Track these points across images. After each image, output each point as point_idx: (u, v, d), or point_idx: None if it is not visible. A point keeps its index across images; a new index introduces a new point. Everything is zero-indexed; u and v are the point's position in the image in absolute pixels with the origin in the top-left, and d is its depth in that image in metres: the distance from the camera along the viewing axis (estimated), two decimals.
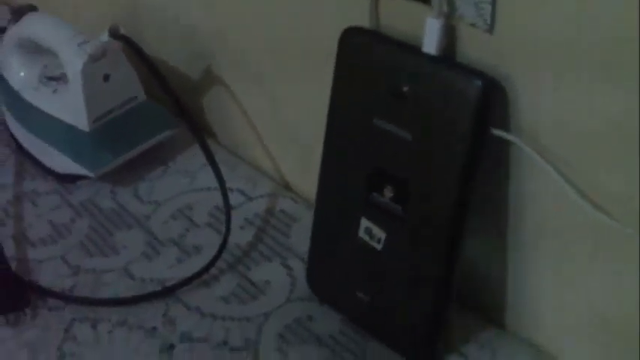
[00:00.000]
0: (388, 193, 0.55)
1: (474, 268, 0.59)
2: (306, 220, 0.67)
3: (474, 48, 0.52)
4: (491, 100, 0.50)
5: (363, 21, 0.56)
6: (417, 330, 0.57)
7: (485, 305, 0.60)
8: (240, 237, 0.68)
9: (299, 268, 0.65)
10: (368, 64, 0.55)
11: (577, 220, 0.51)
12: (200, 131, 0.71)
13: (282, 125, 0.72)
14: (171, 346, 0.60)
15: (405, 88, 0.52)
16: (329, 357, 0.58)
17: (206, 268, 0.65)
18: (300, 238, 0.67)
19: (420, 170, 0.53)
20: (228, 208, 0.68)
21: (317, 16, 0.62)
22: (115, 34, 0.69)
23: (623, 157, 0.47)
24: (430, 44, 0.52)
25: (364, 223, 0.57)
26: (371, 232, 0.57)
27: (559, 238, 0.53)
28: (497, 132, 0.51)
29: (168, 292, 0.64)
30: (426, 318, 0.56)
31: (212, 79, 0.77)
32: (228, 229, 0.67)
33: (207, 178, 0.71)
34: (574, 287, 0.54)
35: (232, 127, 0.78)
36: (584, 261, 0.53)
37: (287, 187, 0.75)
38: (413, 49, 0.53)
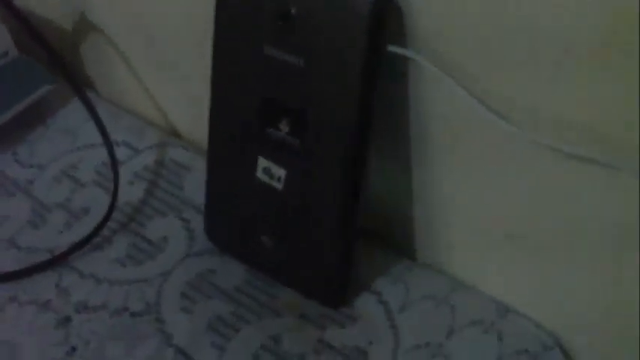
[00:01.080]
0: (284, 127, 0.51)
1: (380, 199, 0.56)
2: (199, 168, 0.63)
3: None
4: (385, 15, 0.46)
5: None
6: (326, 270, 0.54)
7: (396, 239, 0.58)
8: (131, 193, 0.64)
9: (196, 220, 0.61)
10: None
11: (483, 134, 0.48)
12: (79, 84, 0.65)
13: (168, 70, 0.67)
14: (68, 319, 0.56)
15: (293, 10, 0.48)
16: (237, 310, 0.55)
17: (96, 231, 0.60)
18: (195, 188, 0.63)
19: (316, 98, 0.49)
20: (114, 163, 0.63)
21: None
22: None
23: (526, 63, 0.44)
24: None
25: (262, 162, 0.53)
26: (270, 171, 0.53)
27: (466, 155, 0.51)
28: (393, 48, 0.47)
29: (58, 260, 0.59)
30: (333, 256, 0.53)
31: (89, 29, 0.71)
32: (116, 186, 0.62)
33: (91, 133, 0.66)
34: (482, 206, 0.52)
35: (114, 78, 0.73)
36: (490, 176, 0.50)
37: (176, 135, 0.70)
38: None
